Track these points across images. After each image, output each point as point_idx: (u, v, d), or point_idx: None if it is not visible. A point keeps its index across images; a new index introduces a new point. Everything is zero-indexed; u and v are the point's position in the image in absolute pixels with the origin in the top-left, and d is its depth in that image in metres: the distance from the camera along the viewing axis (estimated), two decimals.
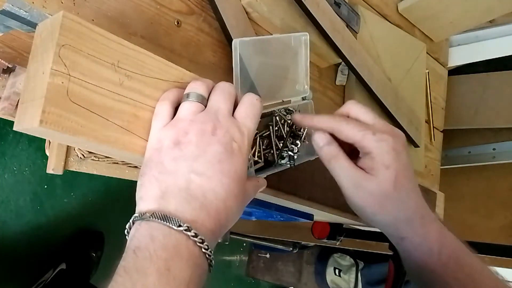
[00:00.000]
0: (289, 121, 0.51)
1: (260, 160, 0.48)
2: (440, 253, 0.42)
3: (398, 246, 0.46)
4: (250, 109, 0.40)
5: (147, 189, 0.35)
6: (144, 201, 0.35)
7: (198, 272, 0.33)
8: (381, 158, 0.41)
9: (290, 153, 0.50)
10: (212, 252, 0.34)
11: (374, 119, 0.44)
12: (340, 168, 0.43)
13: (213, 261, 0.35)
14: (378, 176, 0.42)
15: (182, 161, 0.35)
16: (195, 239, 0.33)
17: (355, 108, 0.46)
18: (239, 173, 0.37)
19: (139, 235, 0.33)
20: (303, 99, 0.53)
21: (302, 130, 0.51)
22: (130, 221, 0.35)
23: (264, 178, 0.46)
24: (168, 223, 0.32)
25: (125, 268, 0.31)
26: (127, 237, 0.34)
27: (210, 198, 0.35)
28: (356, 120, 0.45)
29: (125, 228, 0.35)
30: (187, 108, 0.38)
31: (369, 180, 0.42)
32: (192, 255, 0.33)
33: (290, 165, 0.51)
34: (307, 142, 0.52)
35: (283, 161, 0.50)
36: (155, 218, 0.33)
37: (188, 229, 0.33)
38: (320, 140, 0.45)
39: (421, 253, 0.43)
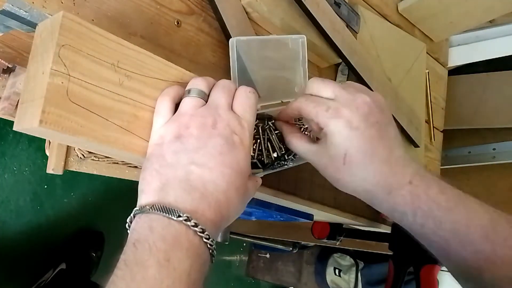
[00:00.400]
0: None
1: (255, 160, 0.48)
2: (415, 215, 0.41)
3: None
4: (245, 102, 0.40)
5: (148, 182, 0.35)
6: (145, 194, 0.35)
7: (199, 262, 0.33)
8: (330, 136, 0.41)
9: (286, 156, 0.50)
10: (214, 242, 0.34)
11: (334, 92, 0.42)
12: (298, 146, 0.46)
13: (215, 251, 0.35)
14: (328, 151, 0.42)
15: (183, 153, 0.36)
16: (195, 228, 0.33)
17: (315, 84, 0.44)
18: (241, 166, 0.37)
19: (138, 227, 0.33)
20: None
21: None
22: (131, 215, 0.35)
23: (261, 178, 0.46)
24: (167, 214, 0.32)
25: (125, 261, 0.31)
26: (128, 231, 0.34)
27: (211, 189, 0.35)
28: (317, 96, 0.44)
29: (126, 222, 0.35)
30: (188, 103, 0.39)
31: (322, 153, 0.43)
32: (192, 245, 0.32)
33: (286, 166, 0.50)
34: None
35: (278, 163, 0.50)
36: (155, 210, 0.33)
37: (188, 219, 0.32)
38: (279, 128, 0.48)
39: (396, 217, 0.43)
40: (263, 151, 0.48)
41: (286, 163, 0.50)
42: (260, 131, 0.48)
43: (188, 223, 0.32)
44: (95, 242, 1.31)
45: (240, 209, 0.39)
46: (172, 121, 0.38)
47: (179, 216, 0.32)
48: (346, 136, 0.41)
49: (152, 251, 0.31)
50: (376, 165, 0.42)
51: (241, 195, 0.38)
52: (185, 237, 0.32)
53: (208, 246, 0.34)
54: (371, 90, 0.69)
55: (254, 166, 0.48)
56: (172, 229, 0.32)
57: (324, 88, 0.43)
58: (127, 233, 0.34)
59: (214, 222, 0.35)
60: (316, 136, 0.48)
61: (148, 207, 0.33)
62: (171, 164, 0.35)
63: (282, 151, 0.50)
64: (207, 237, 0.33)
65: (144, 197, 0.35)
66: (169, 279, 0.30)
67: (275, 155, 0.49)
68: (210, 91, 0.40)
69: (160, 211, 0.33)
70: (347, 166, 0.41)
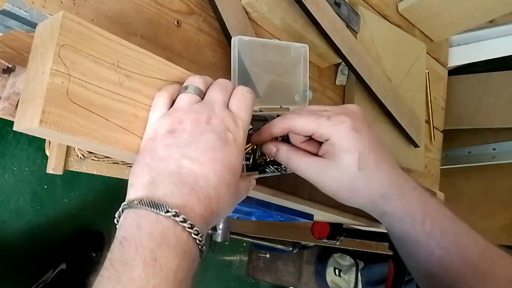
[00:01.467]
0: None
1: (248, 163, 0.47)
2: (424, 222, 0.41)
3: (381, 220, 0.45)
4: (242, 101, 0.40)
5: (138, 176, 0.35)
6: (134, 188, 0.35)
7: (187, 260, 0.32)
8: (340, 143, 0.41)
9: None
10: (203, 238, 0.34)
11: (323, 107, 0.43)
12: (300, 164, 0.43)
13: (204, 247, 0.34)
14: (340, 162, 0.41)
15: (175, 147, 0.35)
16: (184, 224, 0.32)
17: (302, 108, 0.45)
18: (233, 163, 0.37)
19: (126, 224, 0.32)
20: None
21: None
22: (120, 209, 0.34)
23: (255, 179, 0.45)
24: (155, 210, 0.32)
25: (111, 261, 0.30)
26: (117, 226, 0.34)
27: (201, 183, 0.35)
28: (308, 110, 0.44)
29: (115, 217, 0.35)
30: (183, 99, 0.38)
31: (333, 167, 0.41)
32: (180, 241, 0.32)
33: (281, 172, 0.50)
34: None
35: (272, 168, 0.50)
36: (143, 205, 0.32)
37: (177, 215, 0.32)
38: (269, 151, 0.45)
39: (405, 224, 0.42)
40: (257, 153, 0.48)
41: (283, 168, 0.50)
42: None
43: (177, 218, 0.32)
44: (95, 242, 1.31)
45: (230, 206, 0.38)
46: (166, 116, 0.38)
47: (167, 211, 0.32)
48: (356, 139, 0.41)
49: (139, 250, 0.30)
50: (387, 166, 0.42)
51: (232, 193, 0.37)
52: (172, 234, 0.32)
53: (197, 242, 0.33)
54: (372, 90, 0.69)
55: (249, 168, 0.47)
56: (159, 225, 0.32)
57: (313, 106, 0.45)
58: (116, 229, 0.33)
59: (203, 217, 0.34)
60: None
61: (136, 202, 0.33)
62: (163, 158, 0.35)
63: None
64: (196, 232, 0.33)
65: (133, 191, 0.34)
66: (156, 279, 0.30)
67: (271, 158, 0.49)
68: (207, 89, 0.40)
69: (148, 206, 0.32)
70: (362, 170, 0.41)
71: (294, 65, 0.51)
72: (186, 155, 0.35)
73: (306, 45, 0.51)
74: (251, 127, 0.46)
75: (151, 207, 0.32)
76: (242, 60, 0.46)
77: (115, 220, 0.35)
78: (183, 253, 0.32)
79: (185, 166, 0.35)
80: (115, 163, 0.64)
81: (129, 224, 0.32)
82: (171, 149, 0.35)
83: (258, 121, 0.48)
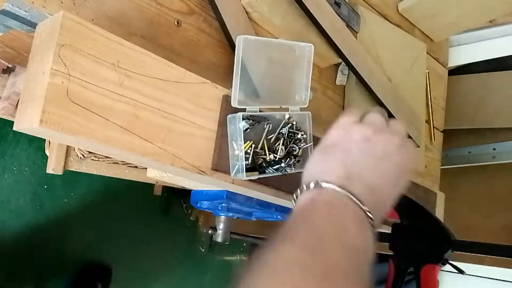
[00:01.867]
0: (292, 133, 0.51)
1: (248, 162, 0.47)
2: None
3: None
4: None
5: (331, 166, 0.38)
6: (327, 175, 0.37)
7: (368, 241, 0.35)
8: None
9: (282, 164, 0.50)
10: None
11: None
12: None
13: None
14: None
15: (371, 156, 0.38)
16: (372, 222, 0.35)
17: None
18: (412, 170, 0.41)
19: (318, 196, 0.36)
20: (301, 109, 0.52)
21: (299, 147, 0.51)
22: (313, 182, 0.37)
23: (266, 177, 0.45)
24: (351, 198, 0.35)
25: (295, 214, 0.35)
26: (295, 198, 0.38)
27: (389, 202, 0.39)
28: None
29: (294, 193, 0.38)
30: (377, 117, 0.42)
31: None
32: (361, 217, 0.35)
33: (281, 172, 0.50)
34: (300, 161, 0.52)
35: (272, 169, 0.50)
36: (340, 191, 0.35)
37: (368, 212, 0.35)
38: None
39: None
40: (260, 154, 0.48)
41: (283, 168, 0.50)
42: (257, 135, 0.48)
43: (367, 213, 0.35)
44: (102, 275, 1.30)
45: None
46: (363, 124, 0.41)
47: (361, 206, 0.35)
48: None
49: (325, 215, 0.34)
50: None
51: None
52: (357, 212, 0.35)
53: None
54: (372, 90, 0.69)
55: (249, 169, 0.47)
56: (349, 209, 0.35)
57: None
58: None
59: (377, 219, 0.37)
60: None
61: (333, 186, 0.36)
62: (359, 162, 0.38)
63: (280, 155, 0.49)
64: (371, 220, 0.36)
65: (328, 177, 0.37)
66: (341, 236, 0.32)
67: (271, 157, 0.49)
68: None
69: (346, 194, 0.35)
70: None
71: (297, 65, 0.51)
72: (379, 168, 0.38)
73: (311, 45, 0.51)
74: (248, 126, 0.46)
75: (347, 195, 0.35)
76: (246, 59, 0.46)
77: (296, 193, 0.38)
78: (367, 237, 0.35)
79: (378, 177, 0.38)
80: (115, 163, 0.64)
81: (321, 197, 0.36)
82: (366, 157, 0.38)
83: (258, 121, 0.48)
